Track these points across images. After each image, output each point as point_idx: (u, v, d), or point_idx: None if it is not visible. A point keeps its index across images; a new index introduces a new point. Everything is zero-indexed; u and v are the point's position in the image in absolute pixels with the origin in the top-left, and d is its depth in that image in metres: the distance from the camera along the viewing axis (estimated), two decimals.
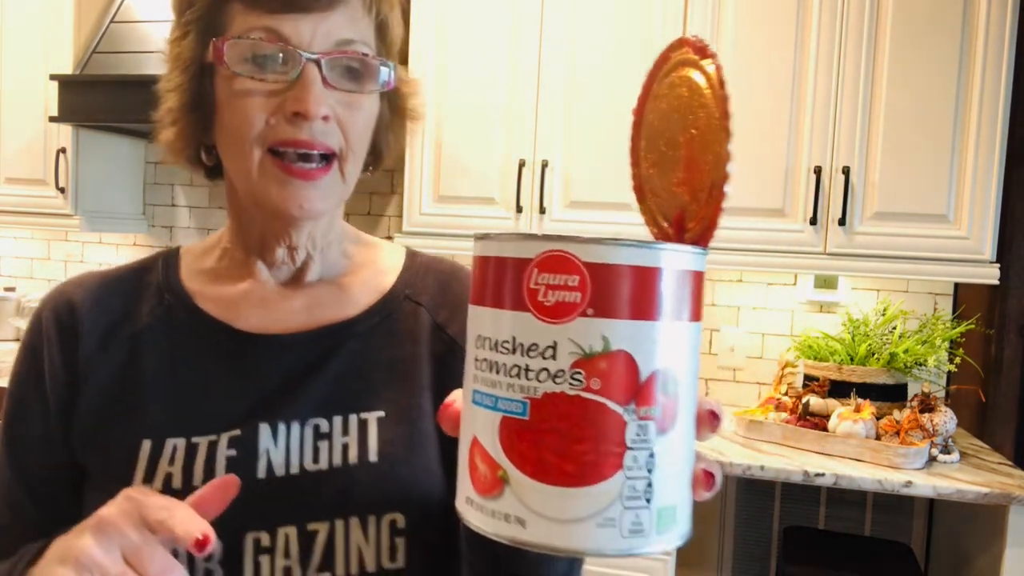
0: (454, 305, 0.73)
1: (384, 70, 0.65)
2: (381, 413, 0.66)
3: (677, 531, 0.36)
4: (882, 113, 2.01)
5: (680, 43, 0.42)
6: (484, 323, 0.37)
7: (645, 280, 0.34)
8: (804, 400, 2.01)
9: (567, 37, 2.19)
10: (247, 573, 0.61)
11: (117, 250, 2.94)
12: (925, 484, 1.73)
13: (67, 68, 2.49)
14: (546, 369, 0.34)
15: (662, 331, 0.35)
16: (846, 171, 2.01)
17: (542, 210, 2.21)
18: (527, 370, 0.34)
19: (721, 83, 0.39)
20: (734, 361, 2.44)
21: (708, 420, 0.38)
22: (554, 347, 0.34)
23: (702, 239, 0.40)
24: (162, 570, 0.48)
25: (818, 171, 2.03)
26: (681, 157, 0.41)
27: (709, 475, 0.38)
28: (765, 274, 2.39)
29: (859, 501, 2.31)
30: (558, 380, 0.34)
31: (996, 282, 1.99)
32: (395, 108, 0.72)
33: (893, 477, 1.75)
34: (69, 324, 0.69)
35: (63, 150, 2.52)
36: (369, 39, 0.65)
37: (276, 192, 0.63)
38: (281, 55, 0.60)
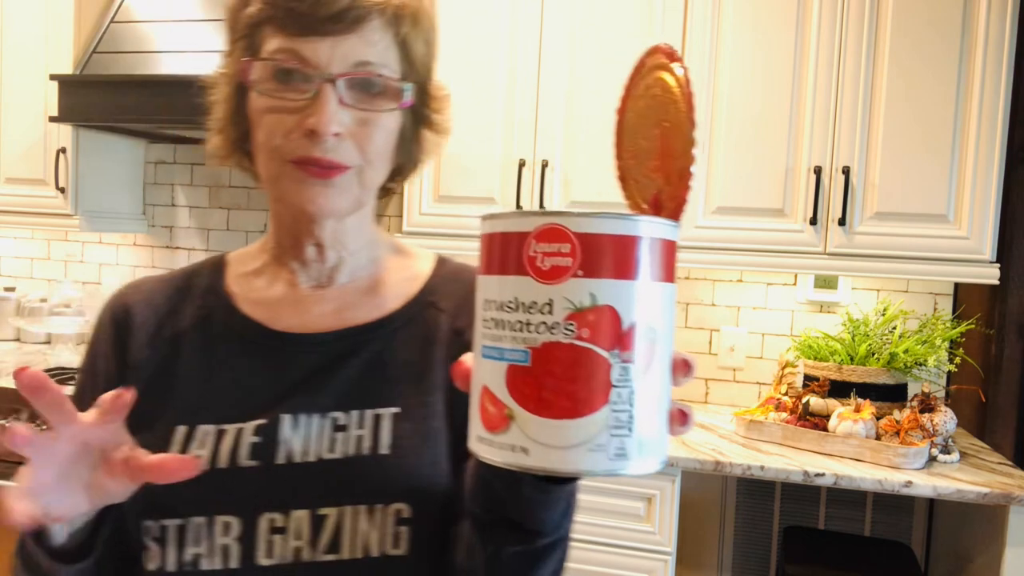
0: (473, 312, 0.75)
1: (403, 89, 0.69)
2: (396, 409, 0.71)
3: (656, 457, 0.42)
4: (882, 113, 2.01)
5: (654, 50, 0.49)
6: (490, 289, 0.43)
7: (627, 246, 0.40)
8: (804, 400, 2.01)
9: (567, 37, 2.19)
10: (261, 550, 0.66)
11: (117, 250, 2.94)
12: (925, 484, 1.73)
13: (67, 68, 2.49)
14: (544, 323, 0.40)
15: (641, 288, 0.41)
16: (846, 171, 2.01)
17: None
18: (528, 324, 0.41)
19: (688, 82, 0.47)
20: (734, 361, 2.44)
21: (681, 367, 0.44)
22: (550, 304, 0.40)
23: (675, 215, 0.47)
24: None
25: (818, 171, 2.03)
26: (656, 147, 0.49)
27: (683, 413, 0.44)
28: (765, 274, 2.39)
29: (859, 501, 2.31)
30: (554, 331, 0.40)
31: (996, 282, 1.99)
32: (419, 123, 0.76)
33: (893, 477, 1.75)
34: (124, 324, 0.76)
35: (63, 150, 2.52)
36: (389, 60, 0.69)
37: (295, 192, 0.68)
38: (300, 75, 0.66)
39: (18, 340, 2.91)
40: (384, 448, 0.69)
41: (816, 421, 1.98)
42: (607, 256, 0.40)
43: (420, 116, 0.76)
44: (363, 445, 0.69)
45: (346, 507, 0.67)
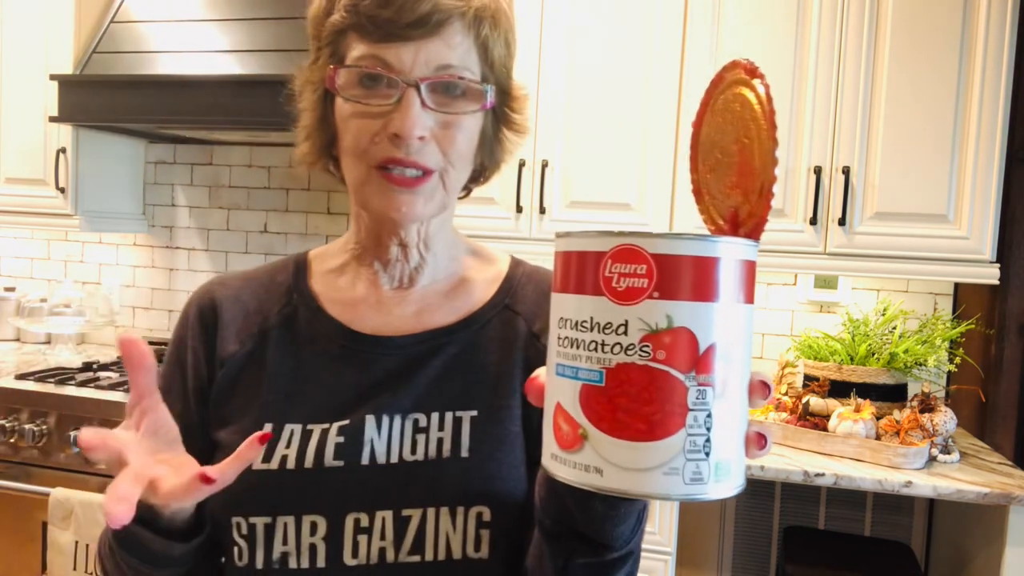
0: (549, 315, 0.78)
1: (484, 91, 0.70)
2: (474, 412, 0.72)
3: (732, 482, 0.42)
4: (882, 113, 2.01)
5: (733, 65, 0.48)
6: (565, 307, 0.43)
7: (705, 268, 0.40)
8: (804, 400, 2.01)
9: (567, 37, 2.19)
10: (347, 550, 0.67)
11: (117, 250, 2.94)
12: (925, 484, 1.73)
13: (67, 68, 2.49)
14: (619, 343, 0.40)
15: (719, 311, 0.40)
16: (846, 171, 2.01)
17: (542, 210, 2.21)
18: (603, 345, 0.41)
19: (769, 100, 0.46)
20: None
21: (759, 389, 0.44)
22: (625, 325, 0.40)
23: (754, 233, 0.46)
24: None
25: (818, 171, 2.03)
26: (735, 163, 0.48)
27: (761, 436, 0.44)
28: (765, 274, 2.39)
29: (859, 501, 2.31)
30: (629, 352, 0.40)
31: (996, 282, 1.99)
32: (500, 123, 0.77)
33: (893, 477, 1.75)
34: (211, 319, 0.77)
35: (63, 150, 2.52)
36: (470, 62, 0.69)
37: (379, 199, 0.69)
38: (384, 81, 0.67)
39: (18, 340, 2.91)
40: (464, 451, 0.70)
41: (816, 421, 1.98)
42: (684, 277, 0.40)
43: (501, 116, 0.76)
44: (444, 447, 0.70)
45: (429, 509, 0.68)
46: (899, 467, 1.81)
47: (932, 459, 1.89)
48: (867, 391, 1.99)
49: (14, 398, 2.16)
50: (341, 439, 0.70)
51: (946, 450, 1.91)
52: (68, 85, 2.34)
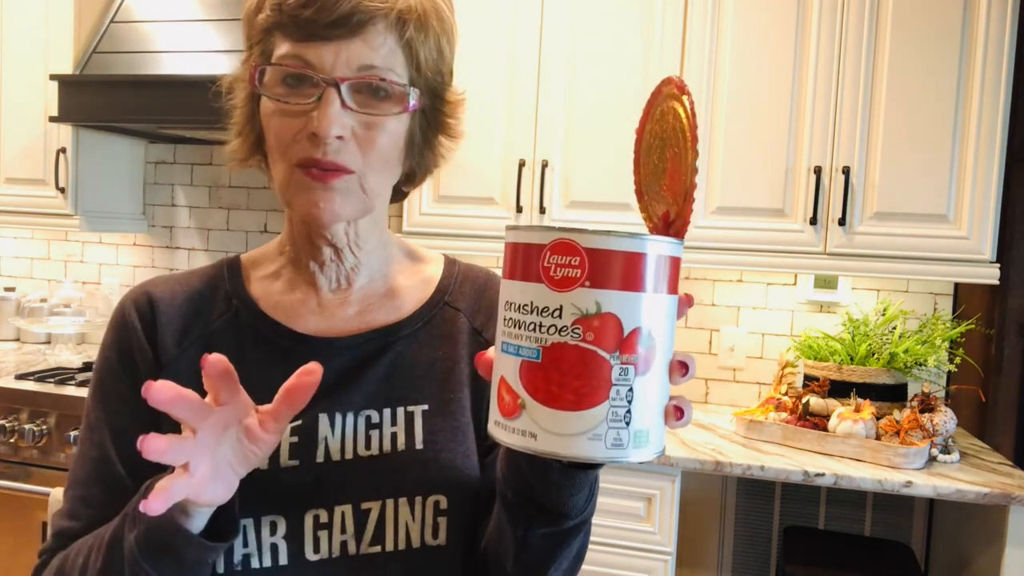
0: (488, 311, 0.81)
1: (407, 94, 0.69)
2: (425, 406, 0.74)
3: (650, 449, 0.48)
4: (882, 113, 2.01)
5: (668, 80, 0.55)
6: (511, 292, 0.48)
7: (631, 262, 0.46)
8: (804, 400, 2.01)
9: (567, 37, 2.19)
10: (308, 547, 0.69)
11: (117, 250, 2.94)
12: (925, 484, 1.73)
13: (67, 68, 2.49)
14: (554, 325, 0.46)
15: (643, 299, 0.46)
16: (846, 171, 2.01)
17: (542, 210, 2.21)
18: (540, 326, 0.46)
19: (694, 115, 0.52)
20: (734, 361, 2.44)
21: (678, 368, 0.49)
22: (560, 309, 0.46)
23: (680, 232, 0.53)
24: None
25: (818, 171, 2.03)
26: (667, 169, 0.54)
27: (679, 409, 0.49)
28: (765, 274, 2.39)
29: (859, 501, 2.31)
30: (563, 333, 0.46)
31: (996, 282, 1.99)
32: (433, 127, 0.76)
33: (893, 477, 1.75)
34: (149, 316, 0.76)
35: (63, 150, 2.52)
36: (394, 64, 0.69)
37: (300, 197, 0.69)
38: (307, 80, 0.67)
39: (18, 340, 2.91)
40: (419, 443, 0.72)
41: (816, 421, 1.98)
42: (612, 269, 0.45)
43: (434, 121, 0.75)
44: (398, 441, 0.72)
45: (387, 500, 0.70)
46: (899, 467, 1.81)
47: (932, 459, 1.89)
48: (867, 391, 1.99)
49: (14, 398, 2.16)
50: (295, 439, 0.71)
51: (946, 450, 1.91)
52: (68, 85, 2.34)
